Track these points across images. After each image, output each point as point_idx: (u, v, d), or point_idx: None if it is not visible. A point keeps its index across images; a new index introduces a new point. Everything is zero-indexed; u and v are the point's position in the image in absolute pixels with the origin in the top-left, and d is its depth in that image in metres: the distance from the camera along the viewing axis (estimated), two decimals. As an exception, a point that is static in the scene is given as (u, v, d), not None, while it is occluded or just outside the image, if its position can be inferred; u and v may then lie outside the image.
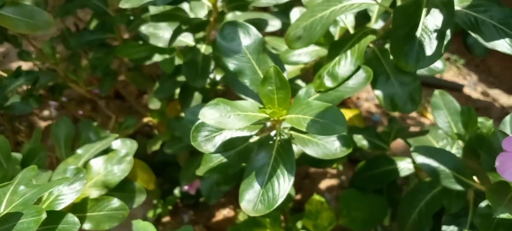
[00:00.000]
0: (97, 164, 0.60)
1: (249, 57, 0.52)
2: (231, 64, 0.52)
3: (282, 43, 0.81)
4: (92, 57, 0.88)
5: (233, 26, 0.53)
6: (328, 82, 0.54)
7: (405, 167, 0.64)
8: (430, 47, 0.41)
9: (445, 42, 0.41)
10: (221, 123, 0.45)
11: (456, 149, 0.64)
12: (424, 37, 0.42)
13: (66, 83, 0.96)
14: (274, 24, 0.72)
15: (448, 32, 0.41)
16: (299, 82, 0.84)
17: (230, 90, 0.95)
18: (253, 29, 0.53)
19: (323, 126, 0.45)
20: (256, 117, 0.48)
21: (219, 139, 0.50)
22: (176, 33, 0.67)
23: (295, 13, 0.74)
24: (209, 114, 0.46)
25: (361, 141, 0.70)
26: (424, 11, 0.43)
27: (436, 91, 0.61)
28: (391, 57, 0.60)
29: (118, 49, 0.78)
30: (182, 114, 0.88)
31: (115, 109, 1.13)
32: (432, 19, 0.42)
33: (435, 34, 0.41)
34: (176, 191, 1.04)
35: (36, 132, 0.82)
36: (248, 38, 0.53)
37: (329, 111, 0.45)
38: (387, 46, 0.67)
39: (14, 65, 1.65)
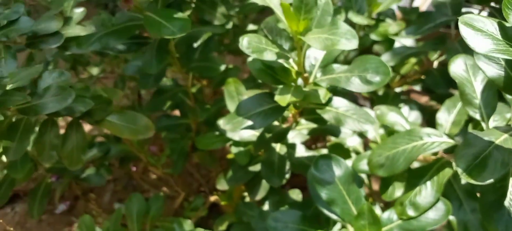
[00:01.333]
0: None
1: (340, 188, 0.58)
2: (324, 194, 0.58)
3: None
4: (167, 138, 0.96)
5: (327, 159, 0.59)
6: (410, 212, 0.59)
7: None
8: (519, 218, 0.47)
9: (534, 214, 0.47)
10: (322, 258, 0.51)
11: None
12: (514, 208, 0.47)
13: (134, 153, 1.04)
14: (346, 131, 0.79)
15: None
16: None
17: (296, 175, 1.01)
18: (343, 162, 0.60)
19: (415, 268, 0.50)
20: (350, 249, 0.54)
21: (313, 264, 0.56)
22: (261, 143, 0.74)
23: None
24: (311, 248, 0.52)
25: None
26: (511, 180, 0.48)
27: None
28: (463, 181, 0.66)
29: (197, 140, 0.86)
30: (247, 198, 0.94)
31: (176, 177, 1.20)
32: (521, 190, 0.48)
33: (523, 206, 0.47)
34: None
35: (116, 212, 0.89)
36: (339, 169, 0.59)
37: (420, 254, 0.51)
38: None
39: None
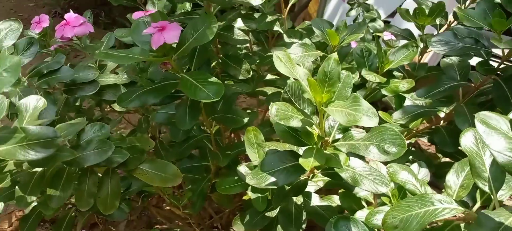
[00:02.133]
0: None
1: (358, 248, 0.64)
2: (342, 253, 0.63)
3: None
4: (187, 178, 1.01)
5: (346, 221, 0.64)
6: (421, 273, 0.64)
7: None
8: None
9: None
10: None
11: None
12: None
13: (155, 191, 1.09)
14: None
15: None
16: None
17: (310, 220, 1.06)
18: (361, 223, 0.65)
19: None
20: None
21: None
22: (281, 196, 0.80)
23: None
24: None
25: None
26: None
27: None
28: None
29: (218, 184, 0.91)
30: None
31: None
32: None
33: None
34: None
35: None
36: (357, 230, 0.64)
37: None
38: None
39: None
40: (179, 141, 0.90)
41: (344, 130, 0.72)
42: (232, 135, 1.21)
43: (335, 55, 0.64)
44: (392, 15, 2.25)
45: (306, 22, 1.12)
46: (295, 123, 0.64)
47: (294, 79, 0.73)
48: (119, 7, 3.04)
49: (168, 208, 1.41)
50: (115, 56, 0.67)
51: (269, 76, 1.11)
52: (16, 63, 0.50)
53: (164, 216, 1.35)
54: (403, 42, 1.12)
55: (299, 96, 0.72)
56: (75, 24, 0.99)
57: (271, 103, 0.65)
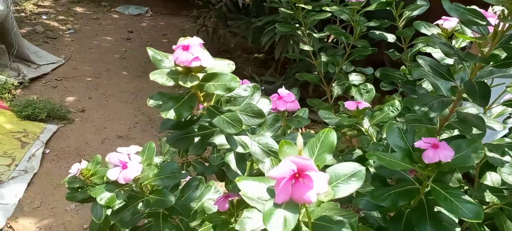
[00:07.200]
0: None
1: None
2: None
3: None
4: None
5: None
6: None
7: None
8: None
9: None
10: None
11: None
12: None
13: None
14: None
15: None
16: None
17: None
18: None
19: None
20: None
21: None
22: None
23: None
24: None
25: None
26: None
27: None
28: None
29: None
30: None
31: None
32: None
33: None
34: None
35: None
36: None
37: None
38: None
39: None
40: None
41: None
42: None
43: None
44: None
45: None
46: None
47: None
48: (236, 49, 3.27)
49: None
50: (388, 161, 0.75)
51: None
52: (331, 144, 0.58)
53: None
54: None
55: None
56: (288, 100, 1.10)
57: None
